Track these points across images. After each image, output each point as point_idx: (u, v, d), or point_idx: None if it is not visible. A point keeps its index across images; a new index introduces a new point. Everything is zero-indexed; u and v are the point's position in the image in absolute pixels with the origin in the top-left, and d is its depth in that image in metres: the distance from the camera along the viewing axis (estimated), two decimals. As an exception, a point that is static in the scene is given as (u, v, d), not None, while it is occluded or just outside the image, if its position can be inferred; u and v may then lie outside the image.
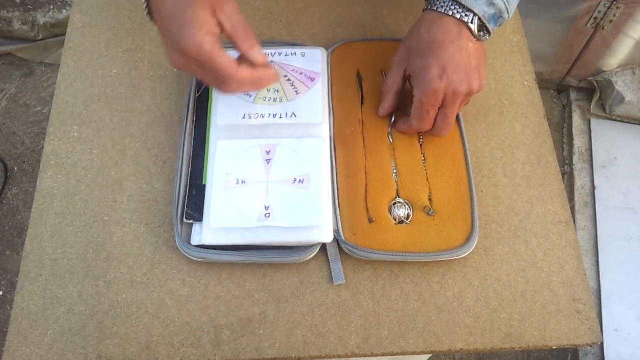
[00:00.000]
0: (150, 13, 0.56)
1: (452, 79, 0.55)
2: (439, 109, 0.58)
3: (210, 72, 0.53)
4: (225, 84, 0.54)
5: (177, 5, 0.51)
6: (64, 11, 1.64)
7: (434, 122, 0.59)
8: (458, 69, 0.55)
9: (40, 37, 1.67)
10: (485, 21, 0.56)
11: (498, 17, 0.57)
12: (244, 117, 0.62)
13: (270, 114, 0.62)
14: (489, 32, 0.57)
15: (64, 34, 0.68)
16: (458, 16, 0.55)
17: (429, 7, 0.57)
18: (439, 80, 0.55)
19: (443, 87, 0.55)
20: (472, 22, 0.55)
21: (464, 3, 0.55)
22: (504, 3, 0.56)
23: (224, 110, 0.62)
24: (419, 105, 0.57)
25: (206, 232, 0.55)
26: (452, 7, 0.55)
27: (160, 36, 0.54)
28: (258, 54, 0.55)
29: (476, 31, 0.56)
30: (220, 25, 0.52)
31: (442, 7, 0.56)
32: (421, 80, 0.56)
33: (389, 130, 0.62)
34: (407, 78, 0.60)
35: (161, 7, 0.52)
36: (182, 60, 0.53)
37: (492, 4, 0.55)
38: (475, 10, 0.55)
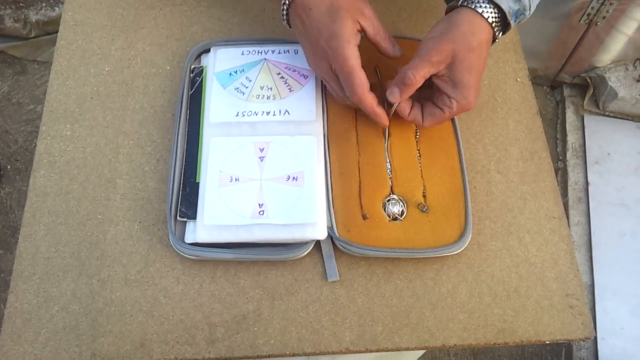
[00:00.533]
0: (289, 21, 0.59)
1: (478, 92, 0.57)
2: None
3: (343, 82, 0.56)
4: (350, 99, 0.57)
5: (325, 16, 0.54)
6: (57, 9, 1.63)
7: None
8: (480, 81, 0.57)
9: (32, 35, 1.66)
10: (509, 17, 0.55)
11: (520, 14, 0.56)
12: (237, 115, 0.61)
13: (263, 112, 0.62)
14: (504, 32, 0.57)
15: (57, 32, 0.67)
16: (490, 20, 0.54)
17: (463, 3, 0.55)
18: (475, 98, 0.56)
19: (476, 99, 0.57)
20: (497, 26, 0.55)
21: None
22: (529, 0, 0.55)
23: (217, 107, 0.62)
24: (447, 114, 0.57)
25: (200, 230, 0.55)
26: (484, 4, 0.54)
27: (301, 43, 0.59)
28: (397, 51, 0.60)
29: (497, 34, 0.56)
30: (363, 29, 0.56)
31: (476, 4, 0.54)
32: (461, 94, 0.56)
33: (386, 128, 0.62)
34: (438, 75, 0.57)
35: (305, 18, 0.55)
36: (325, 67, 0.57)
37: (517, 1, 0.54)
38: (502, 5, 0.54)
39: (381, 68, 0.66)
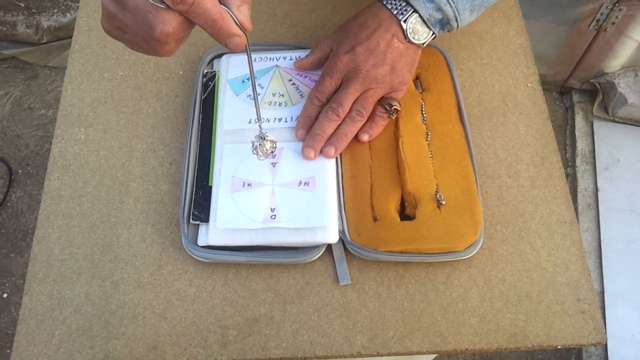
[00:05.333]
0: None
1: (357, 56, 0.57)
2: (341, 86, 0.59)
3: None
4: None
5: None
6: (68, 14, 1.65)
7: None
8: (368, 52, 0.57)
9: (44, 41, 1.68)
10: (429, 23, 0.57)
11: (445, 23, 0.58)
12: (249, 122, 0.62)
13: (275, 118, 0.62)
14: (431, 33, 0.58)
15: (68, 37, 0.69)
16: (395, 11, 0.57)
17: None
18: (344, 55, 0.58)
19: (345, 60, 0.58)
20: (405, 21, 0.57)
21: (410, 2, 0.56)
22: (453, 11, 0.57)
23: (230, 114, 0.62)
24: (322, 72, 0.60)
25: (212, 233, 0.56)
26: (394, 2, 0.57)
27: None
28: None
29: (409, 31, 0.57)
30: None
31: (389, 1, 0.58)
32: (334, 51, 0.60)
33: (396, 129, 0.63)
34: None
35: None
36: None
37: (439, 9, 0.56)
38: (420, 12, 0.56)
39: None
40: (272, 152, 0.58)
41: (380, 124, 0.61)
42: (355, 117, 0.59)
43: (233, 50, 0.45)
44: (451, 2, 0.56)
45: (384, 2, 0.58)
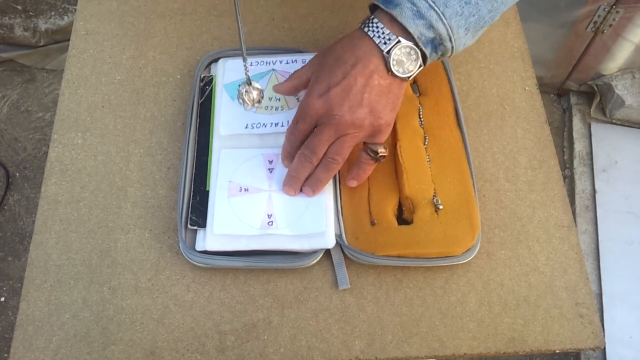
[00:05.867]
0: None
1: (331, 99, 0.51)
2: (315, 131, 0.54)
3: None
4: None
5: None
6: (65, 17, 1.64)
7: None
8: (344, 93, 0.51)
9: (41, 43, 1.67)
10: (421, 45, 0.50)
11: (438, 44, 0.51)
12: (246, 127, 0.62)
13: (272, 123, 0.62)
14: (420, 59, 0.52)
15: (65, 40, 0.69)
16: (377, 40, 0.50)
17: (361, 25, 0.53)
18: (318, 97, 0.52)
19: (318, 105, 0.52)
20: (388, 52, 0.50)
21: (398, 19, 0.49)
22: (447, 29, 0.50)
23: (227, 119, 0.62)
24: (297, 112, 0.55)
25: (209, 239, 0.56)
26: (377, 30, 0.51)
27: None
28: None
29: (392, 65, 0.51)
30: None
31: (368, 26, 0.51)
32: (308, 91, 0.54)
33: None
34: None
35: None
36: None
37: (431, 27, 0.49)
38: (410, 29, 0.49)
39: None
40: (259, 101, 0.56)
41: (368, 170, 0.58)
42: (329, 164, 0.55)
43: None
44: (443, 19, 0.49)
45: (366, 30, 0.51)
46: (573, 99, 1.71)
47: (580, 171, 1.58)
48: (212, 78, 0.66)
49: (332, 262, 0.57)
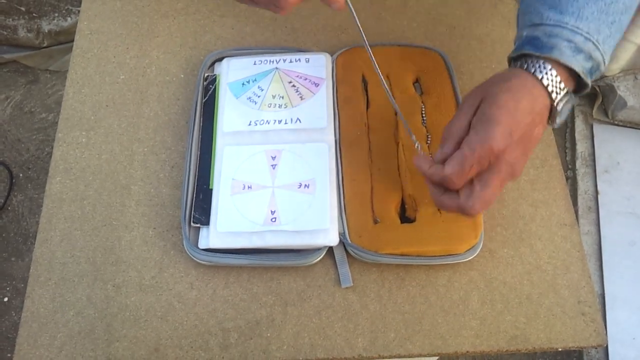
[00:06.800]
0: None
1: (514, 148, 0.46)
2: (488, 180, 0.48)
3: None
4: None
5: None
6: (69, 19, 1.65)
7: (471, 190, 0.48)
8: (522, 144, 0.47)
9: (44, 45, 1.68)
10: (584, 77, 0.48)
11: (595, 71, 0.49)
12: (249, 124, 0.62)
13: (275, 120, 0.63)
14: (572, 102, 0.50)
15: (69, 42, 0.69)
16: (550, 89, 0.47)
17: (520, 65, 0.49)
18: (502, 140, 0.46)
19: (501, 149, 0.46)
20: (556, 101, 0.48)
21: (561, 61, 0.47)
22: (602, 54, 0.48)
23: (230, 117, 0.63)
24: (466, 152, 0.47)
25: (213, 236, 0.56)
26: (551, 76, 0.48)
27: None
28: None
29: (558, 114, 0.48)
30: None
31: (540, 71, 0.48)
32: (483, 129, 0.47)
33: (399, 132, 0.63)
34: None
35: None
36: None
37: (590, 58, 0.48)
38: (575, 67, 0.47)
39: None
40: None
41: None
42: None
43: (337, 9, 0.50)
44: (599, 46, 0.48)
45: (539, 75, 0.47)
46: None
47: (583, 172, 1.58)
48: (215, 77, 0.66)
49: (335, 260, 0.58)
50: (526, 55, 0.49)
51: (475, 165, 0.47)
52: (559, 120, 0.49)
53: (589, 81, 0.49)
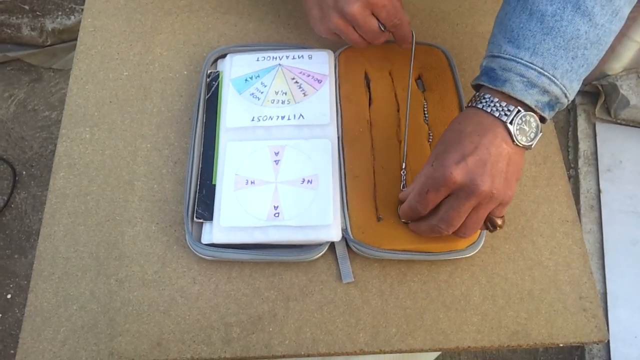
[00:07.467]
0: None
1: (471, 169, 0.48)
2: (449, 202, 0.51)
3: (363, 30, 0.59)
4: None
5: None
6: (72, 17, 1.66)
7: (437, 211, 0.52)
8: (481, 163, 0.49)
9: (48, 43, 1.69)
10: (538, 110, 0.50)
11: (555, 104, 0.51)
12: (252, 120, 0.62)
13: (278, 116, 0.63)
14: (539, 125, 0.51)
15: (72, 40, 0.69)
16: (497, 114, 0.50)
17: (470, 104, 0.53)
18: (455, 166, 0.48)
19: (458, 174, 0.48)
20: (511, 122, 0.49)
21: (512, 94, 0.50)
22: (560, 88, 0.50)
23: (233, 113, 0.63)
24: (422, 180, 0.51)
25: (216, 231, 0.56)
26: (492, 104, 0.50)
27: (308, 9, 0.62)
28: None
29: (516, 133, 0.50)
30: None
31: (482, 102, 0.51)
32: (438, 161, 0.50)
33: (401, 130, 0.63)
34: None
35: None
36: (341, 23, 0.59)
37: (545, 92, 0.50)
38: (526, 101, 0.50)
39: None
40: None
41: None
42: (458, 233, 0.53)
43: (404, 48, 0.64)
44: (556, 81, 0.49)
45: (480, 106, 0.51)
46: (578, 99, 1.71)
47: (585, 171, 1.58)
48: (218, 74, 0.67)
49: (337, 256, 0.58)
50: (482, 85, 0.52)
51: (433, 191, 0.50)
52: (522, 139, 0.50)
53: (545, 114, 0.51)
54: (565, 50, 0.49)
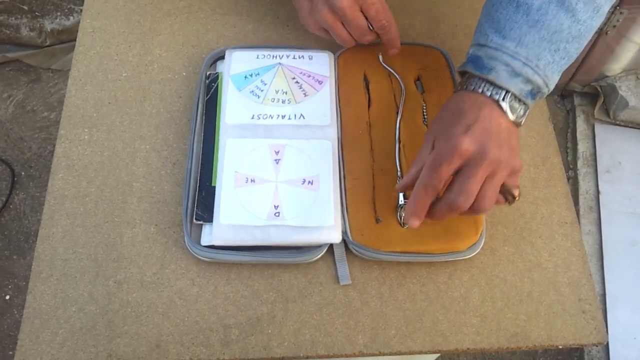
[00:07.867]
0: None
1: (478, 137, 0.49)
2: (463, 172, 0.50)
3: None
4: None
5: None
6: (71, 18, 1.66)
7: (452, 185, 0.51)
8: (486, 131, 0.50)
9: (47, 44, 1.69)
10: (522, 97, 0.52)
11: (536, 93, 0.53)
12: (252, 117, 0.62)
13: (278, 115, 0.63)
14: (526, 107, 0.53)
15: (71, 40, 0.69)
16: (488, 93, 0.51)
17: (461, 87, 0.54)
18: (463, 136, 0.49)
19: (468, 142, 0.49)
20: (503, 100, 0.51)
21: (497, 82, 0.51)
22: (542, 79, 0.52)
23: (233, 109, 0.63)
24: (433, 156, 0.51)
25: (216, 230, 0.56)
26: (483, 85, 0.52)
27: (298, 4, 0.63)
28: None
29: (508, 110, 0.51)
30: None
31: (471, 85, 0.53)
32: (443, 137, 0.51)
33: (396, 131, 0.63)
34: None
35: None
36: (329, 18, 0.60)
37: (528, 81, 0.51)
38: (511, 89, 0.51)
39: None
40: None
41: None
42: (476, 207, 0.51)
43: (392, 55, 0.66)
44: (538, 71, 0.51)
45: (473, 88, 0.52)
46: (577, 100, 1.71)
47: (584, 172, 1.58)
48: (217, 75, 0.67)
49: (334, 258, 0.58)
50: (468, 72, 0.54)
51: (446, 163, 0.49)
52: (512, 115, 0.52)
53: (527, 100, 0.52)
54: (548, 43, 0.51)
